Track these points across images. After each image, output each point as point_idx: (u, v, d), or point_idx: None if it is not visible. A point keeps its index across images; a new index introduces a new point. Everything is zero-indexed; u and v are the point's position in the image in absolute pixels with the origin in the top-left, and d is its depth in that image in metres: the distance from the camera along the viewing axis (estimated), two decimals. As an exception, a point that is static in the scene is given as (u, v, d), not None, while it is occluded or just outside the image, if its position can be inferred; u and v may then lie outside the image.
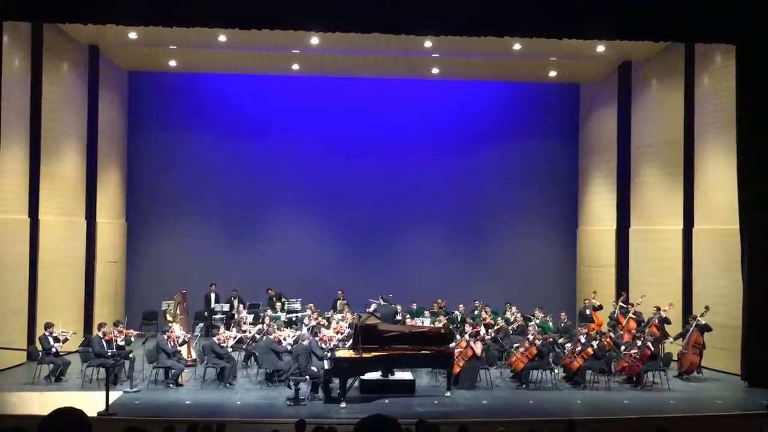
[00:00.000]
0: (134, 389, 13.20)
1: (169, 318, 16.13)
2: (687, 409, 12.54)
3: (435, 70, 19.36)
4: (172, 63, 18.93)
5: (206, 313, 18.39)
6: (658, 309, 15.78)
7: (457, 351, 14.03)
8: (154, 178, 20.37)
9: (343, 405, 12.38)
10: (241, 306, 17.42)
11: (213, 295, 18.58)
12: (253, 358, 15.10)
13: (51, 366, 13.75)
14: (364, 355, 13.05)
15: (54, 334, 13.94)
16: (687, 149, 16.93)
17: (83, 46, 17.63)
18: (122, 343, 13.88)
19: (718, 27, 14.06)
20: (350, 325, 14.83)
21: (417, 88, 20.94)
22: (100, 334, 13.85)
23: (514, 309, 17.31)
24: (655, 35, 14.92)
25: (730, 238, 15.03)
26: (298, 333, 14.66)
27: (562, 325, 16.79)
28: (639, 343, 14.30)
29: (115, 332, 14.09)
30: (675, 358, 15.16)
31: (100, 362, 13.40)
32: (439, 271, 20.42)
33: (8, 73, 14.19)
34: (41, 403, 12.24)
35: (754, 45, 14.17)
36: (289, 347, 13.98)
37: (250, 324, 16.00)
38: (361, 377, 13.36)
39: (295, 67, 19.16)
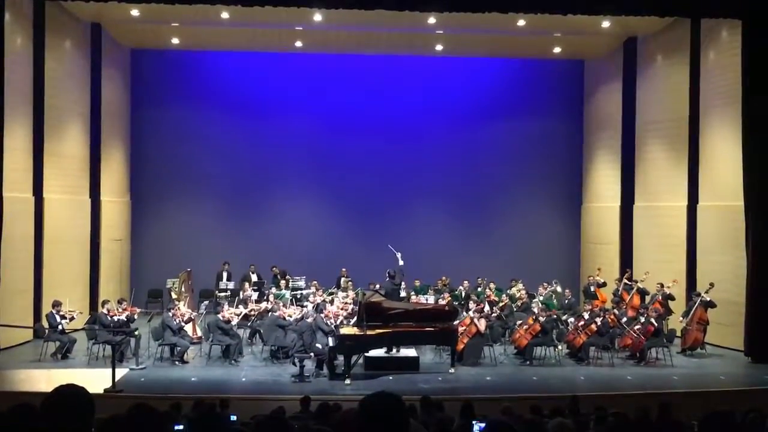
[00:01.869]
0: (140, 366, 13.29)
1: (174, 296, 16.19)
2: (690, 385, 12.57)
3: (439, 47, 19.26)
4: (175, 40, 18.85)
5: (216, 291, 18.38)
6: (662, 285, 15.78)
7: (461, 328, 14.08)
8: (157, 156, 20.36)
9: (347, 382, 12.46)
10: (253, 280, 17.52)
11: (225, 274, 18.58)
12: (258, 335, 15.18)
13: (57, 343, 13.84)
14: (369, 332, 13.10)
15: (61, 312, 14.02)
16: (692, 125, 16.85)
17: (85, 23, 17.55)
18: (125, 320, 13.93)
19: (723, 2, 13.95)
20: (354, 302, 14.88)
21: (421, 65, 20.83)
22: (105, 311, 13.92)
23: (520, 285, 17.31)
24: (660, 10, 14.80)
25: (734, 215, 15.00)
26: (304, 310, 14.72)
27: (566, 301, 16.82)
28: (642, 319, 14.33)
29: (119, 309, 14.17)
30: (678, 334, 15.19)
31: (106, 339, 13.48)
32: (443, 249, 20.43)
33: (11, 52, 14.15)
34: (48, 380, 12.33)
35: (760, 20, 14.06)
36: (294, 323, 14.04)
37: (254, 301, 16.06)
38: (366, 354, 13.43)
39: (298, 44, 19.08)
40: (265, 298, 16.05)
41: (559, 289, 17.19)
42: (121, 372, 12.40)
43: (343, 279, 18.20)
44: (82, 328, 14.84)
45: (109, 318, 13.76)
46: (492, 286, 17.13)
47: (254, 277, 18.27)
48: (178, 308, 14.71)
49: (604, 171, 20.18)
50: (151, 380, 12.56)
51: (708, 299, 14.80)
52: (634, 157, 18.90)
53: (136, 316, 14.53)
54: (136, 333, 13.78)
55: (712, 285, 14.91)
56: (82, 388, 3.11)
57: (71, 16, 16.87)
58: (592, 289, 17.32)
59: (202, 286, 18.99)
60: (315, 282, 17.06)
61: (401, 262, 16.24)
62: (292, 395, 11.01)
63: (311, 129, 20.67)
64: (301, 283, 17.75)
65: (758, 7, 13.90)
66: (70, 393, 3.07)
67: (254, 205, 20.61)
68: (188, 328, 14.94)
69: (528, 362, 14.08)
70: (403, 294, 16.33)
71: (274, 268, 18.55)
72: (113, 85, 18.94)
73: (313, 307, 14.85)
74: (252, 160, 20.59)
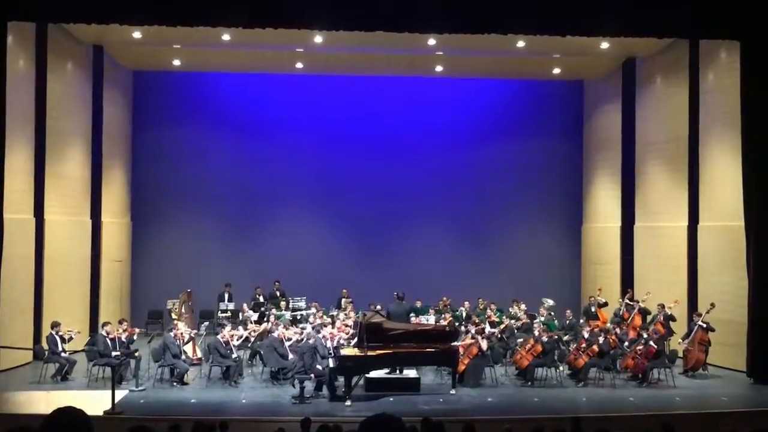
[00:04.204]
0: (140, 388, 13.23)
1: (174, 316, 16.15)
2: (692, 407, 12.49)
3: (439, 68, 19.35)
4: (176, 62, 18.96)
5: (218, 312, 18.25)
6: (663, 306, 15.74)
7: (462, 349, 14.04)
8: (158, 177, 20.41)
9: (348, 403, 12.40)
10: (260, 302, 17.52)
11: (226, 295, 18.51)
12: (258, 356, 15.13)
13: (57, 365, 13.79)
14: (369, 353, 13.06)
15: (60, 333, 13.98)
16: (692, 146, 16.87)
17: (87, 45, 17.66)
18: (125, 341, 13.90)
19: (722, 23, 14.03)
20: (355, 324, 14.84)
21: (421, 86, 20.93)
22: (104, 333, 13.89)
23: (522, 306, 17.26)
24: (659, 32, 14.87)
25: (735, 235, 14.99)
26: (304, 331, 14.70)
27: (567, 322, 16.78)
28: (643, 339, 14.28)
29: (120, 330, 14.13)
30: (681, 355, 15.14)
31: (105, 361, 13.44)
32: (444, 269, 20.41)
33: (13, 74, 14.20)
34: (47, 402, 12.27)
35: (758, 41, 14.13)
36: (294, 344, 14.01)
37: (254, 322, 16.03)
38: (367, 375, 13.37)
39: (299, 65, 19.18)
40: (265, 319, 16.00)
41: (551, 302, 17.13)
42: (120, 394, 12.34)
43: (343, 300, 18.16)
44: (82, 350, 14.78)
45: (109, 340, 13.72)
46: (493, 306, 17.09)
47: (261, 300, 18.19)
48: (178, 328, 14.67)
49: (604, 191, 20.21)
50: (150, 402, 12.50)
51: (704, 325, 14.72)
52: (634, 178, 18.93)
53: (135, 337, 14.48)
54: (136, 354, 13.75)
55: (713, 305, 14.87)
56: (80, 411, 3.10)
57: (73, 38, 16.97)
58: (593, 309, 17.29)
59: (203, 306, 18.94)
60: (315, 303, 17.02)
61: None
62: (292, 417, 10.95)
63: (312, 150, 20.73)
64: (302, 304, 17.70)
65: (756, 28, 13.98)
66: (69, 415, 3.07)
67: (255, 226, 20.62)
68: (188, 348, 14.91)
69: (529, 383, 14.02)
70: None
71: (276, 283, 18.52)
72: (115, 107, 19.02)
73: (312, 328, 14.81)
74: (252, 181, 20.63)
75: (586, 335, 14.60)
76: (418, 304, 17.50)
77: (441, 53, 18.39)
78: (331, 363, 12.92)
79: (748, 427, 7.71)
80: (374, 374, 13.49)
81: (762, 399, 12.97)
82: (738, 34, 14.45)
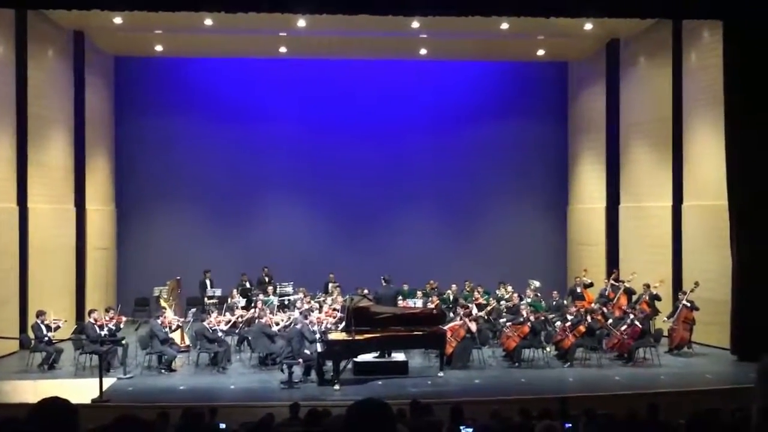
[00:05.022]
0: (127, 376, 13.21)
1: (162, 303, 16.09)
2: (678, 385, 12.64)
3: (423, 51, 19.31)
4: (159, 48, 18.80)
5: (205, 299, 18.24)
6: (648, 286, 15.87)
7: (449, 331, 14.10)
8: (142, 164, 20.29)
9: (336, 387, 12.44)
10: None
11: (208, 282, 18.49)
12: (246, 342, 15.13)
13: (44, 354, 13.74)
14: (357, 337, 13.09)
15: (46, 322, 13.92)
16: (675, 126, 16.96)
17: (68, 31, 17.48)
18: (113, 329, 13.85)
19: (704, 3, 14.06)
20: (342, 308, 14.87)
21: (405, 69, 20.88)
22: (92, 320, 13.84)
23: (509, 288, 17.30)
24: (642, 12, 14.90)
25: (719, 214, 15.11)
26: (292, 317, 14.72)
27: (554, 303, 16.87)
28: (629, 319, 14.39)
29: (107, 318, 14.09)
30: (666, 334, 15.27)
31: (92, 349, 13.40)
32: (431, 252, 20.45)
33: (-7, 61, 14.07)
34: (35, 391, 12.21)
35: (740, 20, 14.17)
36: (281, 330, 14.02)
37: (242, 308, 16.02)
38: (355, 359, 13.41)
39: (283, 49, 19.07)
40: (252, 304, 16.00)
41: (537, 283, 17.21)
42: (108, 381, 12.31)
43: (330, 284, 18.17)
44: (69, 338, 14.74)
45: (97, 327, 13.67)
46: (480, 289, 17.15)
47: (248, 285, 18.18)
48: (166, 316, 14.65)
49: (589, 172, 20.28)
50: (138, 389, 12.50)
51: (689, 304, 14.85)
52: (619, 158, 19.02)
53: (122, 325, 14.43)
54: (123, 342, 13.72)
55: (697, 284, 15.00)
56: (66, 401, 3.09)
57: (53, 24, 16.79)
58: (579, 290, 17.40)
59: (189, 293, 18.91)
60: (303, 288, 17.03)
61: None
62: (281, 402, 11.00)
63: (297, 134, 20.66)
64: (289, 289, 17.70)
65: (738, 8, 14.01)
66: (54, 406, 3.06)
67: (240, 211, 20.56)
68: (176, 336, 14.89)
69: (516, 364, 14.11)
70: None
71: (265, 269, 18.51)
72: (97, 93, 18.86)
73: (300, 313, 14.84)
74: (237, 166, 20.55)
75: (570, 316, 14.69)
76: (405, 287, 17.54)
77: (425, 36, 18.34)
78: (319, 348, 12.95)
79: (732, 403, 7.80)
80: (362, 358, 13.54)
81: (746, 376, 13.10)
82: (721, 14, 14.49)
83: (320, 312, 15.05)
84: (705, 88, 15.90)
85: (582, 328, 14.27)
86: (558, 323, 15.11)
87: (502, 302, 16.48)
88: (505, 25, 16.84)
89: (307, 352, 12.92)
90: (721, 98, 14.78)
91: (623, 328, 14.37)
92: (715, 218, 15.44)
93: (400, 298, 16.42)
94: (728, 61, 14.51)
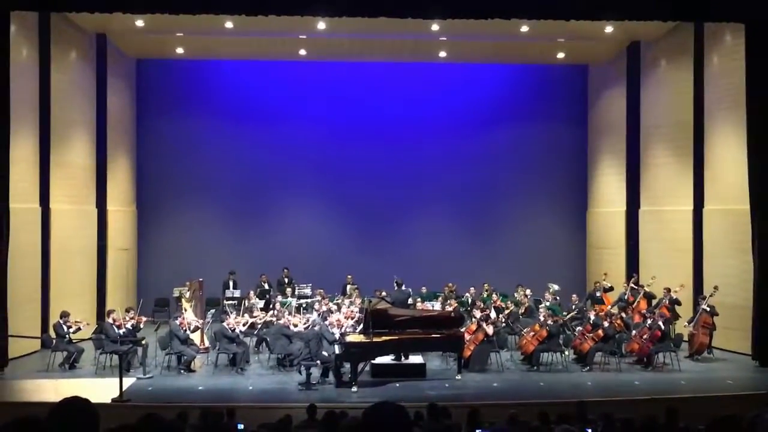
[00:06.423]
0: (147, 375, 13.31)
1: (184, 303, 16.14)
2: (698, 390, 12.54)
3: (442, 54, 19.30)
4: (180, 50, 18.93)
5: (223, 300, 18.30)
6: (669, 290, 15.76)
7: (467, 334, 14.08)
8: (163, 165, 20.44)
9: (354, 389, 12.47)
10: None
11: (231, 283, 18.56)
12: (264, 343, 15.19)
13: (65, 353, 13.87)
14: (375, 339, 13.11)
15: (68, 323, 14.06)
16: (697, 129, 16.84)
17: (90, 34, 17.65)
18: (131, 329, 13.94)
19: (727, 5, 13.94)
20: (360, 310, 14.89)
21: (424, 72, 20.86)
22: (110, 321, 13.96)
23: (528, 291, 17.25)
24: (663, 15, 14.80)
25: (740, 218, 14.97)
26: (311, 318, 14.75)
27: (573, 307, 16.77)
28: (649, 323, 14.30)
29: (127, 318, 14.19)
30: (686, 338, 15.16)
31: (113, 349, 13.52)
32: (449, 255, 20.41)
33: (16, 64, 14.20)
34: (56, 390, 12.32)
35: (763, 23, 14.05)
36: (302, 330, 14.06)
37: (261, 309, 16.08)
38: (372, 361, 13.42)
39: (302, 52, 19.14)
40: (271, 306, 16.05)
41: (557, 287, 17.13)
42: (128, 381, 12.41)
43: (348, 286, 18.20)
44: (89, 338, 14.87)
45: (116, 327, 13.79)
46: (498, 292, 17.10)
47: (266, 287, 18.24)
48: (184, 317, 14.74)
49: (609, 176, 20.16)
50: (158, 389, 12.59)
51: (708, 308, 14.72)
52: (639, 162, 18.89)
53: (142, 325, 14.54)
54: (143, 342, 13.82)
55: (716, 288, 14.88)
56: (87, 401, 3.13)
57: (76, 27, 16.96)
58: (599, 294, 17.29)
59: (209, 294, 18.97)
60: (321, 290, 17.06)
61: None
62: (298, 403, 11.05)
63: (316, 136, 20.71)
64: (307, 291, 17.75)
65: (761, 11, 13.89)
66: (75, 405, 3.09)
67: (260, 213, 20.65)
68: (195, 337, 14.98)
69: (535, 368, 14.06)
70: (410, 302, 16.31)
71: (285, 270, 18.54)
72: (119, 95, 19.03)
73: (318, 315, 14.87)
74: (257, 168, 20.63)
75: (592, 319, 14.62)
76: (424, 290, 17.52)
77: (444, 38, 18.33)
78: (337, 349, 12.98)
79: (753, 409, 7.72)
80: (380, 360, 13.55)
81: (767, 381, 12.99)
82: (743, 17, 14.36)
83: (339, 313, 15.07)
84: (727, 91, 15.76)
85: (600, 332, 14.20)
86: (579, 328, 15.04)
87: (518, 307, 16.42)
88: (525, 28, 16.81)
89: (325, 353, 12.95)
90: (743, 101, 14.66)
91: (643, 332, 14.27)
92: (736, 223, 15.31)
93: (419, 300, 16.40)
94: (750, 64, 14.38)
